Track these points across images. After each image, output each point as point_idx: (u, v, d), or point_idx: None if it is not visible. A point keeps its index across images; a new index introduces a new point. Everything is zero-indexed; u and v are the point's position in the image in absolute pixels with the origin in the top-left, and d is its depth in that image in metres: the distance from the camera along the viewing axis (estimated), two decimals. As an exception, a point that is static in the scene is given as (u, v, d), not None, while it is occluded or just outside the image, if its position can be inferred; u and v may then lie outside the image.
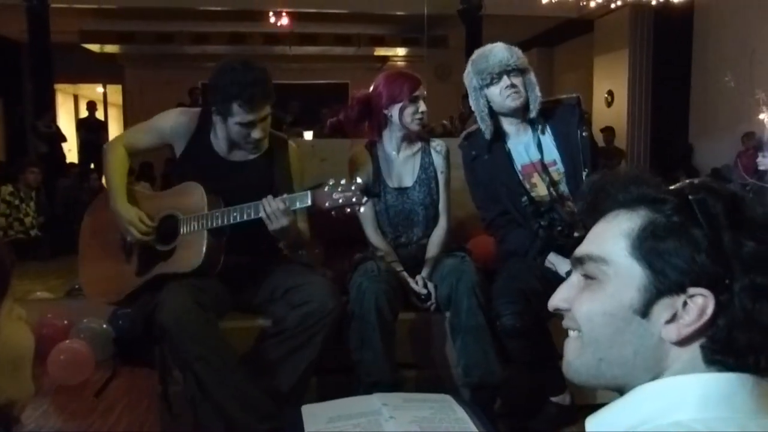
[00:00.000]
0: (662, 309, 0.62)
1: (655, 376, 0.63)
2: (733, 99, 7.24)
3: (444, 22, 9.82)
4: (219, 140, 2.04)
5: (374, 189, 2.02)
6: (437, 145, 2.22)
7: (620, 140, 8.89)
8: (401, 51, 11.99)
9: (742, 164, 6.36)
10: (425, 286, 2.07)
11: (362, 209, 1.83)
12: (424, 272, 2.10)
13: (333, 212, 1.78)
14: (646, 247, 0.63)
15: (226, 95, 1.87)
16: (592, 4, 7.56)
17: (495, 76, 2.04)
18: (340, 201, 1.76)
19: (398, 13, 9.54)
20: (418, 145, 2.21)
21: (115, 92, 13.60)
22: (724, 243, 0.60)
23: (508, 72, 2.04)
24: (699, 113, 8.39)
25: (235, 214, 1.86)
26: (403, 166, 2.19)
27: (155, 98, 10.06)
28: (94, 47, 11.28)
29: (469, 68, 2.13)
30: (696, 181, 0.66)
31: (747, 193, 0.63)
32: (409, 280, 2.08)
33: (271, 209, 1.79)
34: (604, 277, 0.65)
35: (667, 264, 0.61)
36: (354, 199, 1.76)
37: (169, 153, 2.16)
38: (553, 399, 2.00)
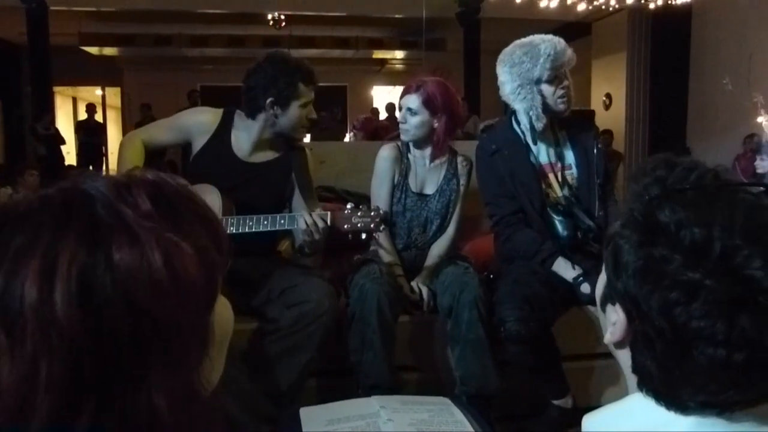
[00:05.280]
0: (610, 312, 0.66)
1: None
2: (730, 102, 7.25)
3: (442, 25, 9.84)
4: (241, 141, 2.04)
5: (390, 218, 2.07)
6: (463, 160, 2.23)
7: (618, 143, 8.91)
8: (399, 54, 12.02)
9: (741, 167, 6.36)
10: (420, 293, 2.06)
11: (379, 236, 1.87)
12: (422, 277, 2.10)
13: (349, 235, 1.80)
14: None
15: (292, 78, 1.95)
16: (590, 8, 7.57)
17: (560, 74, 1.98)
18: (359, 225, 1.79)
19: (396, 16, 9.57)
20: (446, 156, 2.22)
21: (113, 95, 13.61)
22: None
23: (566, 74, 2.01)
24: (697, 116, 8.40)
25: (250, 223, 1.84)
26: (428, 174, 2.20)
27: (154, 101, 10.07)
28: (93, 50, 11.29)
29: (522, 57, 1.98)
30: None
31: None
32: (405, 285, 2.07)
33: (307, 223, 1.79)
34: None
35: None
36: (372, 226, 1.79)
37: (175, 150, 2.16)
38: (555, 402, 1.99)
